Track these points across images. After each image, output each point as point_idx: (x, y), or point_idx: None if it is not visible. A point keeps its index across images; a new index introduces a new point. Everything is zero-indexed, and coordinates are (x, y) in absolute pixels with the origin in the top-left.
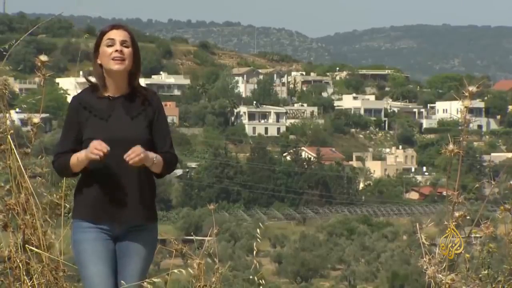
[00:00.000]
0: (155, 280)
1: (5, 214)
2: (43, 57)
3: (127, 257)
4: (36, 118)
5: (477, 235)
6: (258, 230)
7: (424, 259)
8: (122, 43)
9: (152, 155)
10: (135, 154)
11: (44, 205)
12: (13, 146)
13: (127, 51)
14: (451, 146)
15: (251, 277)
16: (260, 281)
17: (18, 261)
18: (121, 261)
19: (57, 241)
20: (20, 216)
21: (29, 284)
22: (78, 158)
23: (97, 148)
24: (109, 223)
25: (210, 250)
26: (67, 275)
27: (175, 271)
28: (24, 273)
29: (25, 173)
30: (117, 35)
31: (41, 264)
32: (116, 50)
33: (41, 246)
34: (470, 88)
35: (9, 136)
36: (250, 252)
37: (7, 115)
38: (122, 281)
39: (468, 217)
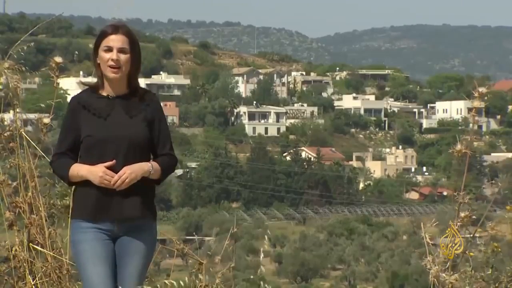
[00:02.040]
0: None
1: (12, 213)
2: (58, 59)
3: (126, 257)
4: (47, 119)
5: (478, 235)
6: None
7: (428, 258)
8: (120, 50)
9: (146, 166)
10: (121, 181)
11: (50, 205)
12: (27, 144)
13: (124, 58)
14: (459, 146)
15: (251, 277)
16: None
17: (22, 260)
18: (121, 261)
19: (62, 240)
20: (26, 214)
21: (32, 283)
22: (78, 173)
23: (109, 180)
24: (108, 223)
25: (220, 251)
26: (71, 274)
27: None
28: (28, 272)
29: (35, 173)
30: (116, 41)
31: (44, 263)
32: (112, 59)
33: (46, 245)
34: (480, 89)
35: (24, 133)
36: (250, 252)
37: (18, 114)
38: (122, 281)
39: (473, 217)
